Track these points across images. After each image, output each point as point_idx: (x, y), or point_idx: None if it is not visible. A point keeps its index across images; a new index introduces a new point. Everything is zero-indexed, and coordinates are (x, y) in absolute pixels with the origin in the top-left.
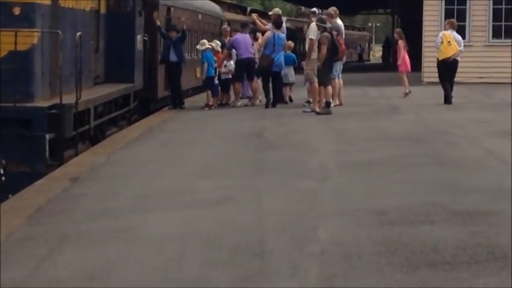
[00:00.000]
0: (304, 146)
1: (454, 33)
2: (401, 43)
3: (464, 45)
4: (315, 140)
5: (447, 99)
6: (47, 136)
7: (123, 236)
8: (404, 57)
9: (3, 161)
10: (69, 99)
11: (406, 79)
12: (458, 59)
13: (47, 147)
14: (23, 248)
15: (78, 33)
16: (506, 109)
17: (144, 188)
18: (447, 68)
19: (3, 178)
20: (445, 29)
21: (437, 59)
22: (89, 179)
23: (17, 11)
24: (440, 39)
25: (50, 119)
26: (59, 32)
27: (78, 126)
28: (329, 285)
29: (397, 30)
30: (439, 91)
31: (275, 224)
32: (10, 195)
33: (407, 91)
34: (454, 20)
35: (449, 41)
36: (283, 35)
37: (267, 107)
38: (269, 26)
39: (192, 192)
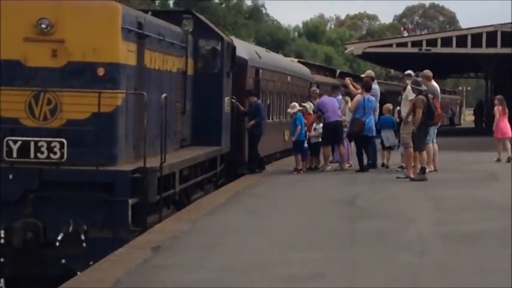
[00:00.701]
0: (400, 215)
1: None
2: (497, 109)
3: None
4: (411, 208)
5: None
6: (130, 201)
7: None
8: (499, 123)
9: (84, 227)
10: (153, 162)
11: (508, 145)
12: None
13: (130, 213)
14: None
15: (164, 95)
16: None
17: (229, 260)
18: None
19: (84, 244)
20: None
21: None
22: (172, 248)
23: (101, 71)
24: None
25: (134, 183)
26: (144, 93)
27: (163, 190)
28: None
29: (499, 96)
30: None
31: None
32: (91, 263)
33: (504, 156)
34: None
35: None
36: (373, 98)
37: (359, 171)
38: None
39: (280, 265)
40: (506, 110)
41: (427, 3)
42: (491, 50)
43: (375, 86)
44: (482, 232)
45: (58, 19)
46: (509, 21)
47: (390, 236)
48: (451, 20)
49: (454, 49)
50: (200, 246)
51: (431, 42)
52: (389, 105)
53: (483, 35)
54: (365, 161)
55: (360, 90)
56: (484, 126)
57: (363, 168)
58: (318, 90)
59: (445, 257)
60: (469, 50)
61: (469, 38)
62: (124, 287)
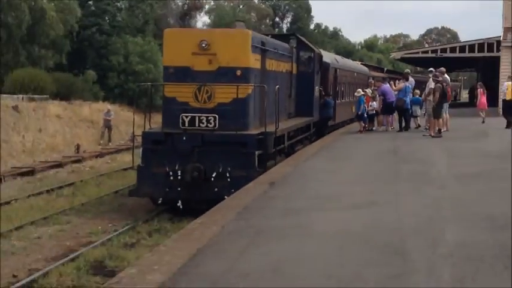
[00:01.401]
0: (426, 160)
1: None
2: (479, 90)
3: None
4: (432, 155)
5: (508, 125)
6: (256, 152)
7: (300, 232)
8: (481, 100)
9: (229, 168)
10: (271, 128)
11: (482, 113)
12: None
13: (256, 160)
14: (230, 240)
15: (277, 86)
16: None
17: (317, 192)
18: (509, 106)
19: (228, 179)
20: (508, 81)
21: (504, 99)
22: (281, 183)
23: (238, 72)
24: (505, 87)
25: (259, 142)
26: (265, 86)
27: (277, 145)
28: (460, 286)
29: (479, 83)
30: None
31: (411, 225)
32: (232, 190)
33: (482, 120)
34: None
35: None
36: (409, 86)
37: (399, 131)
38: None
39: (348, 195)
40: (485, 91)
41: (439, 26)
42: (480, 54)
43: (411, 79)
44: (482, 172)
45: (212, 40)
46: (493, 36)
47: (420, 174)
48: (454, 36)
49: (457, 54)
50: (299, 182)
51: (444, 50)
52: (417, 91)
53: (475, 45)
54: (403, 124)
55: (402, 81)
56: (474, 101)
57: (401, 129)
58: (372, 81)
59: (458, 190)
60: (466, 54)
61: (467, 47)
62: (249, 210)
